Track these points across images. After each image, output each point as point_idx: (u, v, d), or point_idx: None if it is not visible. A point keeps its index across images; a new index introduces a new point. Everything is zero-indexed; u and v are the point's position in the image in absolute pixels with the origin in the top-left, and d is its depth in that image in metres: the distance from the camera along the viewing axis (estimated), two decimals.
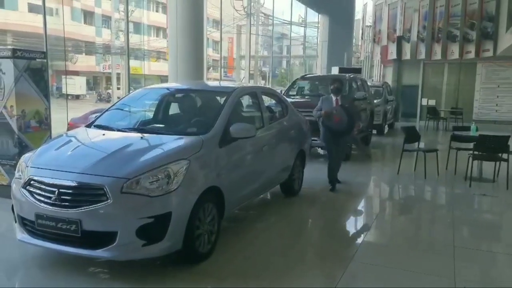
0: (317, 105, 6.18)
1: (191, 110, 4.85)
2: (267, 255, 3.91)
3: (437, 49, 16.04)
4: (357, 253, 3.98)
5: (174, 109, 5.08)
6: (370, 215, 5.49)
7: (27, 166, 3.55)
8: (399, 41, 17.34)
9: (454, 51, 15.64)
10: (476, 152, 6.74)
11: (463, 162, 7.13)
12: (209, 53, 26.46)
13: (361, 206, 6.01)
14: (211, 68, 29.52)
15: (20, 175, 3.59)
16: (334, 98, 6.06)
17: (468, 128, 7.95)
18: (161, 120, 4.77)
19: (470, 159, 6.80)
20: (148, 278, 3.36)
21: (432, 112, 15.99)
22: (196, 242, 3.49)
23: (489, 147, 6.69)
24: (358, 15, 30.23)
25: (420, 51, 16.51)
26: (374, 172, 8.34)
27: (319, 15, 22.62)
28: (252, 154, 4.53)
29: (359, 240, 4.51)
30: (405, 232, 4.87)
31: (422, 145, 8.89)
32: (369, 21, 28.01)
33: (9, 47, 5.68)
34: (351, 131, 6.14)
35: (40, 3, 9.14)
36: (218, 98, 4.81)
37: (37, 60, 5.53)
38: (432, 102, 17.02)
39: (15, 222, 3.55)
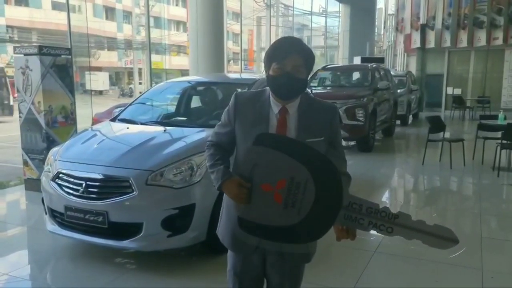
0: (216, 126, 1.95)
1: (212, 103, 4.87)
2: None
3: (463, 36, 15.62)
4: (381, 244, 3.94)
5: (196, 102, 5.11)
6: (395, 206, 5.42)
7: (55, 160, 3.65)
8: (423, 29, 16.95)
9: (481, 38, 15.19)
10: (504, 141, 6.57)
11: (490, 151, 6.95)
12: (229, 46, 26.47)
13: (385, 197, 5.94)
14: (232, 61, 29.55)
15: (49, 169, 3.69)
16: (277, 108, 1.79)
17: (495, 117, 7.75)
18: (183, 113, 4.81)
19: (498, 148, 6.62)
20: (173, 268, 3.41)
21: (458, 102, 15.61)
22: None
23: None
24: (380, 4, 29.70)
25: (445, 39, 16.10)
26: (398, 163, 8.22)
27: (340, 4, 22.31)
28: None
29: None
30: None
31: (447, 135, 8.70)
32: (391, 9, 27.48)
33: (35, 44, 5.83)
34: (321, 232, 1.62)
35: (63, 0, 9.32)
36: (239, 90, 4.80)
37: (62, 56, 5.65)
38: (457, 91, 16.63)
39: (45, 214, 3.67)
